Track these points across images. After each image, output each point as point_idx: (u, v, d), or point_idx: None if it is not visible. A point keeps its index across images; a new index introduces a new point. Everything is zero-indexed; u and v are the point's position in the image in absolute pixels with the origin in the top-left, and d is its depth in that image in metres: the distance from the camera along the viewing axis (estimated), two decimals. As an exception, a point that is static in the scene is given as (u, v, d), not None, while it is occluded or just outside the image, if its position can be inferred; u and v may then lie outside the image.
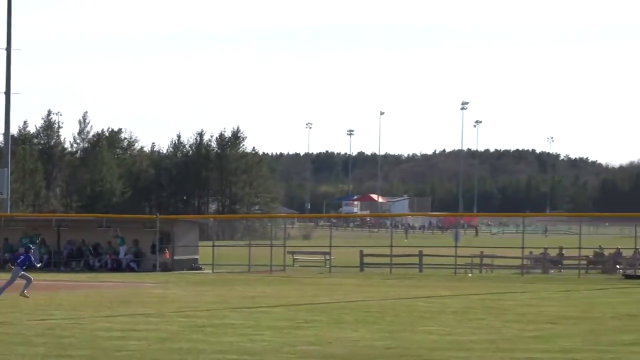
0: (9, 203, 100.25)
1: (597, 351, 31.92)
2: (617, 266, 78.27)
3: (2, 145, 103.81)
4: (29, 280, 50.30)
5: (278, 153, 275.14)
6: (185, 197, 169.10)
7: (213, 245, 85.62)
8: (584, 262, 79.42)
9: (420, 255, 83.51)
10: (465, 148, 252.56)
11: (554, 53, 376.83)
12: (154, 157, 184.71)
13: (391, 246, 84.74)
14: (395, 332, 37.76)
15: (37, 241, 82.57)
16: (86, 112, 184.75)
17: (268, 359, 30.35)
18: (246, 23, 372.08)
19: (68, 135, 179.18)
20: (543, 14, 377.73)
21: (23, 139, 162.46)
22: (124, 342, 34.41)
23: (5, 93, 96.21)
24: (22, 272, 51.01)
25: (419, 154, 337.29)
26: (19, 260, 51.36)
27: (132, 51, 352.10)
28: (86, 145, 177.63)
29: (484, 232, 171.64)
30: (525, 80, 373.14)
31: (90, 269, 79.96)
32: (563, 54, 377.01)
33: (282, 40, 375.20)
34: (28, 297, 49.67)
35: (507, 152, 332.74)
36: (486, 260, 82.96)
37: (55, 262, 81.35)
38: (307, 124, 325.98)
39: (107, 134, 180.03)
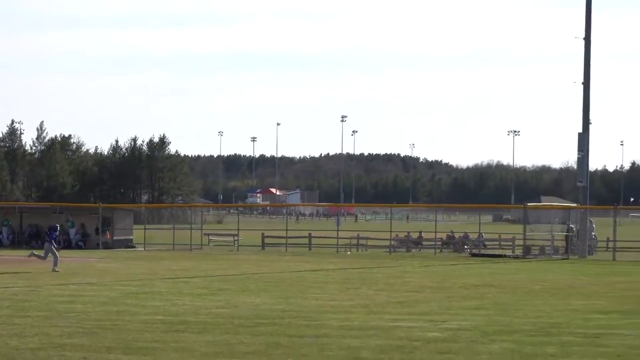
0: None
1: (449, 314, 32.16)
2: (465, 246, 78.81)
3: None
4: (56, 257, 51.51)
5: (196, 155, 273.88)
6: (122, 190, 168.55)
7: (144, 228, 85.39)
8: (439, 243, 79.87)
9: (310, 236, 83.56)
10: (344, 152, 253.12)
11: (414, 77, 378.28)
12: (97, 157, 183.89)
13: (286, 229, 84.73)
14: (290, 298, 37.82)
15: (9, 224, 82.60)
16: (42, 121, 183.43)
17: (187, 318, 30.31)
18: (167, 49, 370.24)
19: (28, 139, 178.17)
20: (397, 41, 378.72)
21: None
22: (73, 305, 34.26)
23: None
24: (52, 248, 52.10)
25: (308, 157, 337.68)
26: (51, 238, 52.64)
27: (81, 70, 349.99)
28: (43, 148, 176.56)
29: (360, 219, 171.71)
30: (391, 97, 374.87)
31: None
32: (420, 78, 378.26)
33: (194, 62, 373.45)
34: (58, 271, 50.35)
35: (377, 155, 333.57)
36: (362, 242, 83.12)
37: (19, 241, 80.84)
38: (219, 132, 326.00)
39: (59, 139, 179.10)
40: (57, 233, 54.66)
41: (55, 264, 51.43)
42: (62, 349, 23.47)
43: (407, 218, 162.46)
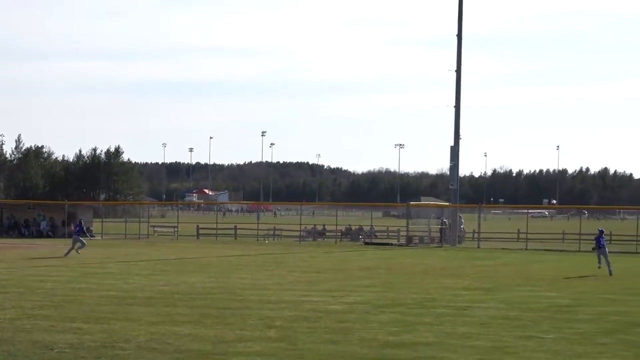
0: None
1: (347, 290, 32.18)
2: (360, 236, 78.89)
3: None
4: (83, 244, 52.54)
5: (144, 162, 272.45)
6: (84, 190, 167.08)
7: (102, 221, 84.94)
8: (339, 233, 79.93)
9: (235, 228, 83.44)
10: (264, 160, 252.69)
11: (321, 100, 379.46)
12: (64, 164, 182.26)
13: (216, 222, 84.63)
14: (220, 278, 37.68)
15: None
16: (20, 134, 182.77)
17: (136, 294, 30.12)
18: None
19: (8, 149, 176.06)
20: (306, 69, 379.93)
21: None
22: (43, 283, 33.95)
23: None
24: (79, 238, 52.73)
25: (234, 164, 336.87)
26: (76, 230, 53.63)
27: (53, 93, 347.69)
28: (20, 156, 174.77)
29: (277, 215, 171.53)
30: (302, 116, 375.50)
31: (22, 236, 78.75)
32: (326, 100, 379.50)
33: (143, 87, 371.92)
34: (79, 254, 51.05)
35: (290, 163, 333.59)
36: (277, 232, 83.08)
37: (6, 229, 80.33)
38: (163, 144, 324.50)
39: (34, 149, 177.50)
40: (82, 226, 54.61)
41: (81, 247, 52.32)
42: (35, 319, 23.25)
43: (313, 214, 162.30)
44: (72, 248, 52.35)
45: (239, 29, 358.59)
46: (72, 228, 79.50)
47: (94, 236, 79.99)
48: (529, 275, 41.84)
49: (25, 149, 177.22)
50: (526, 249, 67.21)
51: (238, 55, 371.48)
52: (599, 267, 43.65)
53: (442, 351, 19.20)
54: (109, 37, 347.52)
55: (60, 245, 64.14)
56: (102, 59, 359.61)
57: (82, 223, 56.70)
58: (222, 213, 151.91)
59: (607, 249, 44.83)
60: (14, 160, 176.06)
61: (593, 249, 47.03)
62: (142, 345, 19.37)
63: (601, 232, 45.91)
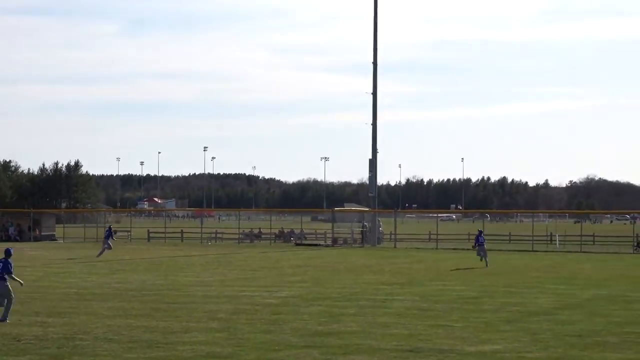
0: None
1: (280, 286, 32.17)
2: (291, 238, 78.85)
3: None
4: (109, 247, 53.56)
5: (100, 174, 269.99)
6: (47, 199, 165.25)
7: (64, 226, 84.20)
8: (273, 236, 79.81)
9: (182, 232, 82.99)
10: (206, 172, 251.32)
11: (256, 120, 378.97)
12: (30, 176, 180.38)
13: (165, 227, 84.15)
14: (168, 276, 37.46)
15: None
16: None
17: (94, 291, 29.87)
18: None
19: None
20: (244, 92, 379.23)
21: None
22: (11, 282, 33.48)
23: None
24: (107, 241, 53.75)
25: (180, 175, 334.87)
26: (106, 235, 54.87)
27: (18, 114, 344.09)
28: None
29: (221, 220, 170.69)
30: (240, 133, 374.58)
31: (3, 240, 77.84)
32: (260, 120, 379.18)
33: (101, 109, 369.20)
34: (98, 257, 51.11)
35: (230, 174, 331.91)
36: (219, 235, 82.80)
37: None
38: (117, 158, 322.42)
39: (2, 163, 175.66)
40: (110, 232, 55.73)
41: (107, 249, 53.12)
42: (2, 314, 22.92)
43: (248, 218, 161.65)
44: (103, 250, 52.80)
45: (181, 56, 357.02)
46: (37, 232, 79.03)
47: (56, 240, 79.24)
48: (439, 271, 42.08)
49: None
50: (437, 249, 67.58)
51: (181, 79, 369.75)
52: (482, 260, 45.96)
53: (365, 339, 19.25)
54: (69, 64, 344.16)
55: (27, 247, 63.40)
56: (63, 84, 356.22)
57: (111, 228, 58.06)
58: (169, 219, 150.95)
59: (485, 246, 47.04)
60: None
61: (473, 246, 49.68)
62: (100, 337, 19.23)
63: (480, 232, 48.84)
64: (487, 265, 45.15)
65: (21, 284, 23.16)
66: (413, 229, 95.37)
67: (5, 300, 21.91)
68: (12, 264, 22.50)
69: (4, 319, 21.44)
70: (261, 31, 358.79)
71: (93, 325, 20.93)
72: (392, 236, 75.00)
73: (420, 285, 33.19)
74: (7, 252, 22.65)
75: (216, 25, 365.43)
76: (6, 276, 22.07)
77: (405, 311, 24.30)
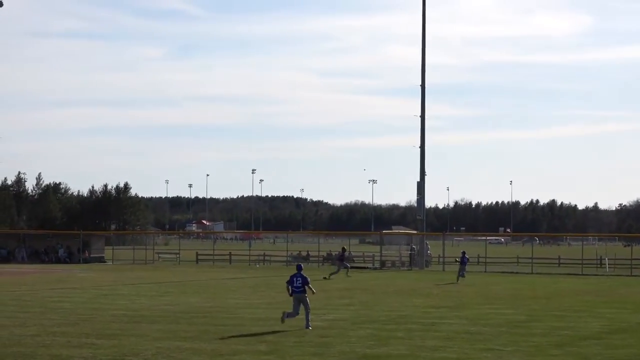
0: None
1: (328, 309, 32.07)
2: (342, 261, 78.62)
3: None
4: (347, 267, 57.24)
5: (149, 196, 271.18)
6: (97, 221, 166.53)
7: (113, 248, 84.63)
8: (321, 258, 79.66)
9: (230, 254, 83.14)
10: (254, 194, 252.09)
11: (301, 142, 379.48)
12: (79, 198, 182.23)
13: (213, 249, 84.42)
14: (216, 298, 37.54)
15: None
16: (40, 172, 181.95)
17: (143, 313, 29.97)
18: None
19: (30, 185, 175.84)
20: (288, 116, 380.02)
21: (3, 188, 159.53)
22: (61, 303, 33.81)
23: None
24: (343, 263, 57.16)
25: (229, 198, 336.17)
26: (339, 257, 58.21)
27: (68, 137, 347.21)
28: (40, 191, 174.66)
29: (266, 242, 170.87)
30: (288, 156, 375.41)
31: (42, 262, 78.28)
32: (306, 143, 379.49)
33: (150, 132, 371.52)
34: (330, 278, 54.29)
35: (278, 197, 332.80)
36: (267, 258, 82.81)
37: (21, 258, 79.67)
38: (165, 180, 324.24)
39: (52, 185, 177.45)
40: (344, 253, 59.13)
41: (340, 270, 56.46)
42: (54, 335, 23.11)
43: (291, 241, 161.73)
44: (338, 271, 55.47)
45: (229, 79, 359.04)
46: (87, 254, 79.60)
47: (105, 262, 79.75)
48: (488, 294, 41.80)
49: (44, 186, 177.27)
50: (485, 272, 67.19)
51: (230, 102, 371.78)
52: (461, 278, 52.22)
53: (413, 362, 19.16)
54: (117, 87, 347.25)
55: (76, 269, 63.92)
56: (113, 107, 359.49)
57: (344, 250, 60.59)
58: (218, 241, 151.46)
59: (466, 267, 54.29)
60: (35, 195, 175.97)
61: (456, 260, 55.82)
62: (149, 359, 19.27)
63: (463, 252, 55.57)
64: (457, 280, 51.64)
65: (313, 292, 26.54)
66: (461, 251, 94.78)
67: (302, 307, 25.76)
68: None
69: (307, 327, 25.09)
70: (309, 54, 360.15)
71: (142, 347, 20.99)
72: (440, 259, 74.63)
73: (469, 309, 32.96)
74: (299, 267, 26.64)
75: (264, 48, 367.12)
76: (305, 287, 25.90)
77: (454, 335, 24.14)
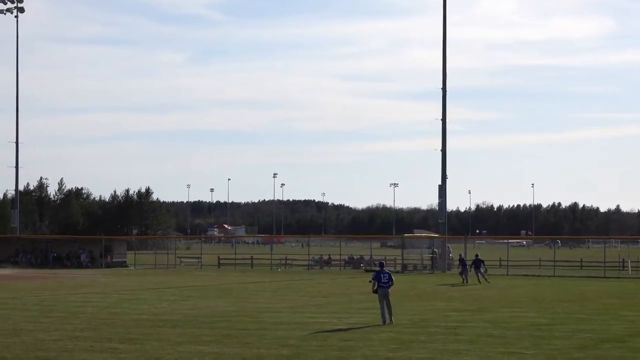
0: (18, 229, 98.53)
1: (350, 312, 32.08)
2: (361, 265, 78.64)
3: (14, 197, 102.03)
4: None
5: (171, 201, 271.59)
6: (118, 226, 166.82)
7: (135, 253, 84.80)
8: (343, 262, 79.67)
9: (251, 258, 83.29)
10: (275, 199, 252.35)
11: (324, 147, 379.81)
12: (101, 203, 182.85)
13: (235, 253, 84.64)
14: (238, 302, 37.58)
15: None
16: (62, 178, 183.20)
17: (165, 317, 30.00)
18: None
19: (52, 191, 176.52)
20: (310, 121, 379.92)
21: (26, 193, 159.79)
22: (83, 308, 33.91)
23: (15, 167, 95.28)
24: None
25: (250, 202, 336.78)
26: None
27: (90, 142, 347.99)
28: (62, 196, 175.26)
29: (288, 246, 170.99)
30: (308, 160, 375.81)
31: (64, 266, 78.50)
32: (327, 147, 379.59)
33: (170, 137, 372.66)
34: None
35: (299, 200, 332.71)
36: (288, 262, 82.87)
37: (41, 262, 79.96)
38: (187, 185, 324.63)
39: (74, 190, 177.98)
40: (464, 260, 58.48)
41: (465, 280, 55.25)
42: (76, 340, 23.17)
43: (308, 244, 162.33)
44: (466, 279, 54.82)
45: (250, 84, 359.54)
46: (109, 259, 79.79)
47: (127, 266, 79.90)
48: (510, 297, 41.68)
49: (67, 191, 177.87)
50: (507, 275, 66.97)
51: (251, 106, 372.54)
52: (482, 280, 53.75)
53: (436, 366, 19.10)
54: (138, 92, 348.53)
55: (98, 274, 64.10)
56: (134, 112, 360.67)
57: (462, 256, 60.52)
58: (239, 245, 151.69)
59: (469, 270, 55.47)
60: (57, 200, 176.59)
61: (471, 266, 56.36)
62: (171, 363, 19.30)
63: (477, 255, 58.00)
64: (467, 282, 53.98)
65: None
66: (483, 255, 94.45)
67: (386, 303, 27.59)
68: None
69: (391, 321, 27.17)
70: (330, 59, 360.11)
71: (164, 351, 21.01)
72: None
73: (491, 312, 32.87)
74: (382, 264, 29.46)
75: (284, 53, 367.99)
76: (390, 283, 27.88)
77: (476, 338, 24.05)
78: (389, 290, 27.87)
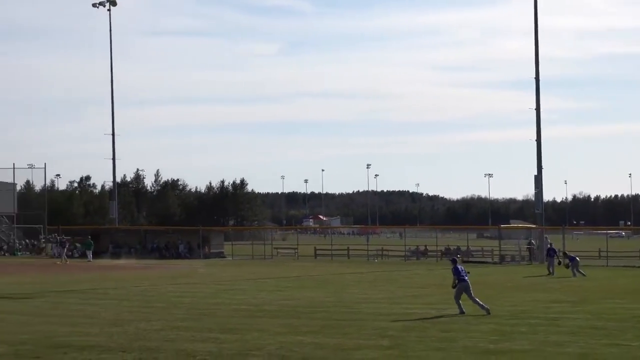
0: (117, 220, 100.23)
1: (448, 304, 31.68)
2: (458, 256, 78.01)
3: (111, 188, 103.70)
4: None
5: (266, 192, 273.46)
6: (215, 217, 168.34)
7: (232, 244, 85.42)
8: (439, 253, 79.24)
9: (348, 249, 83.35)
10: (370, 189, 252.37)
11: (418, 137, 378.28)
12: (197, 194, 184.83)
13: (331, 244, 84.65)
14: (335, 293, 37.61)
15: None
16: (158, 169, 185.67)
17: (264, 307, 30.17)
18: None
19: (149, 182, 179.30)
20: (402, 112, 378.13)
21: (123, 185, 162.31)
22: (182, 298, 34.28)
23: (112, 159, 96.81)
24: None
25: (344, 193, 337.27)
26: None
27: (186, 135, 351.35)
28: (159, 188, 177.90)
29: (383, 237, 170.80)
30: (403, 150, 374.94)
31: (163, 257, 79.45)
32: (421, 137, 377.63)
33: (263, 129, 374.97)
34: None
35: (393, 191, 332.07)
36: (385, 252, 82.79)
37: (143, 254, 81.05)
38: (281, 176, 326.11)
39: (170, 182, 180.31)
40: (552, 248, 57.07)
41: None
42: (177, 330, 23.41)
43: (403, 235, 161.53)
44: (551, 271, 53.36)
45: (343, 75, 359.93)
46: (207, 250, 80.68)
47: (225, 257, 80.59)
48: (611, 288, 41.05)
49: (163, 182, 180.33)
50: (607, 266, 65.96)
51: (344, 97, 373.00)
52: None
53: (538, 357, 18.89)
54: (232, 84, 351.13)
55: (197, 265, 64.73)
56: (228, 103, 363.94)
57: (551, 244, 59.80)
58: (335, 236, 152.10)
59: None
60: (153, 192, 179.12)
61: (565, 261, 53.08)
62: (273, 353, 19.34)
63: (550, 244, 58.70)
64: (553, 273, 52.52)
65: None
66: (582, 246, 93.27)
67: (468, 295, 28.04)
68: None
69: (486, 311, 27.52)
70: (422, 49, 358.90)
71: (265, 341, 21.11)
72: (560, 253, 73.47)
73: (593, 304, 32.37)
74: (454, 260, 29.55)
75: (376, 43, 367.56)
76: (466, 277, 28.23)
77: (578, 330, 23.71)
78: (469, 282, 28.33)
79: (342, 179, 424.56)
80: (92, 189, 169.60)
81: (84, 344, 20.44)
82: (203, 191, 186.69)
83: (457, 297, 28.08)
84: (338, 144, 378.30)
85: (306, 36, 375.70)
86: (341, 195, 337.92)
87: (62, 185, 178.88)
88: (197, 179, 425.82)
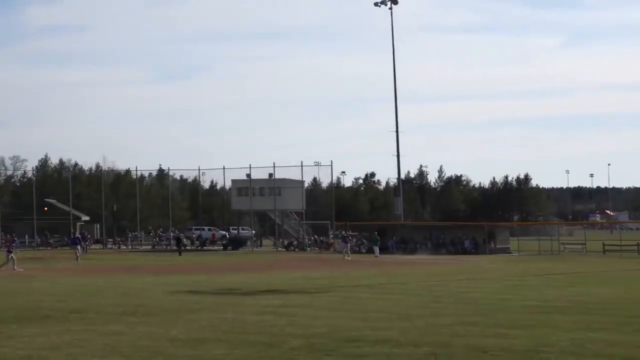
0: (402, 216, 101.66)
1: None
2: None
3: (396, 184, 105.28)
4: None
5: (551, 187, 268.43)
6: (499, 212, 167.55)
7: (517, 239, 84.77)
8: None
9: (638, 245, 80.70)
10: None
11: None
12: (481, 190, 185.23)
13: (620, 240, 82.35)
14: (629, 290, 36.47)
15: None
16: (441, 165, 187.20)
17: (553, 304, 29.62)
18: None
19: (432, 179, 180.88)
20: None
21: (407, 181, 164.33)
22: (469, 294, 34.31)
23: (396, 156, 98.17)
24: None
25: (632, 187, 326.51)
26: None
27: (452, 128, 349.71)
28: (443, 184, 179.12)
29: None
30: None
31: (449, 252, 79.72)
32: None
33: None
34: None
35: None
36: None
37: (431, 249, 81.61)
38: (566, 171, 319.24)
39: (454, 178, 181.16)
40: None
41: None
42: (466, 325, 23.36)
43: None
44: None
45: (628, 66, 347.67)
46: (493, 245, 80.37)
47: (511, 253, 79.92)
48: None
49: (446, 178, 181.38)
50: None
51: (629, 89, 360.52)
52: None
53: None
54: (515, 79, 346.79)
55: (483, 261, 64.54)
56: (508, 98, 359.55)
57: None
58: (624, 231, 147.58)
59: None
60: (437, 187, 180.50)
61: None
62: (565, 350, 18.98)
63: None
64: None
65: None
66: None
67: None
68: None
69: None
70: None
71: (556, 337, 20.74)
72: None
73: None
74: None
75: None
76: None
77: None
78: None
79: (629, 173, 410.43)
80: (377, 185, 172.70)
81: (375, 338, 20.78)
82: (486, 186, 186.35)
83: None
84: (625, 136, 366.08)
85: (591, 29, 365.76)
86: (629, 190, 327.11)
87: (347, 182, 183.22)
88: (480, 175, 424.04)
